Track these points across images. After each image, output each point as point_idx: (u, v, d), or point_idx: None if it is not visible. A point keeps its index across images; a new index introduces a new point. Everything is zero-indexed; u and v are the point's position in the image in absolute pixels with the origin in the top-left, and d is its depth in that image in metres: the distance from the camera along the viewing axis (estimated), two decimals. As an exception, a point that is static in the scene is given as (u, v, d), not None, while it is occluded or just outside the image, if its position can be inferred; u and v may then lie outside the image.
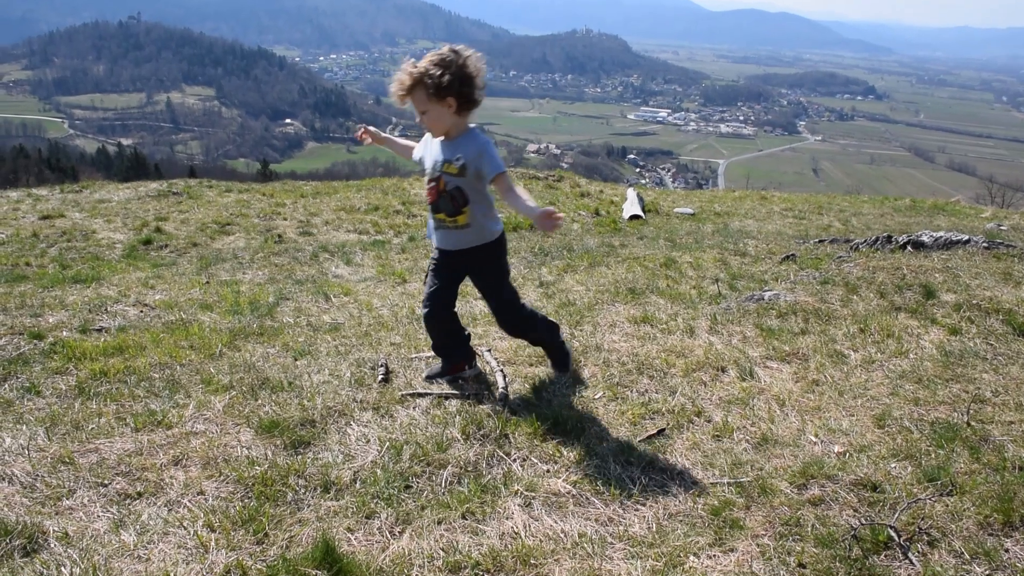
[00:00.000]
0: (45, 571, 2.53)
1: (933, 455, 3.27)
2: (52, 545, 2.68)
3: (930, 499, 2.91)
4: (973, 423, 3.53)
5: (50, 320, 5.39)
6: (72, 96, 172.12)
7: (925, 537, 2.70)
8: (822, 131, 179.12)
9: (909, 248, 7.14)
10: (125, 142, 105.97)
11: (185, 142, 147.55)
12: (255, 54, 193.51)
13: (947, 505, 2.87)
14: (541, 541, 2.77)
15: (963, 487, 2.97)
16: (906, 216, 12.98)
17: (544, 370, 4.33)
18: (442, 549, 2.69)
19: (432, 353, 4.45)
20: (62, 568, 2.52)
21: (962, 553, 2.61)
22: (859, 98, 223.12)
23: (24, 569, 2.54)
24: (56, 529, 2.77)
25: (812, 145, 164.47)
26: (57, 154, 59.38)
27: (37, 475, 3.14)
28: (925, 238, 7.28)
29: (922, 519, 2.78)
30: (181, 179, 17.05)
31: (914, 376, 4.16)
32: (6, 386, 4.16)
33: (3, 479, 3.12)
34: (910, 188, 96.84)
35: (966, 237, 7.22)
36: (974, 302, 5.25)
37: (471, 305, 5.83)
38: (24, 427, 3.56)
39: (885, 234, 7.68)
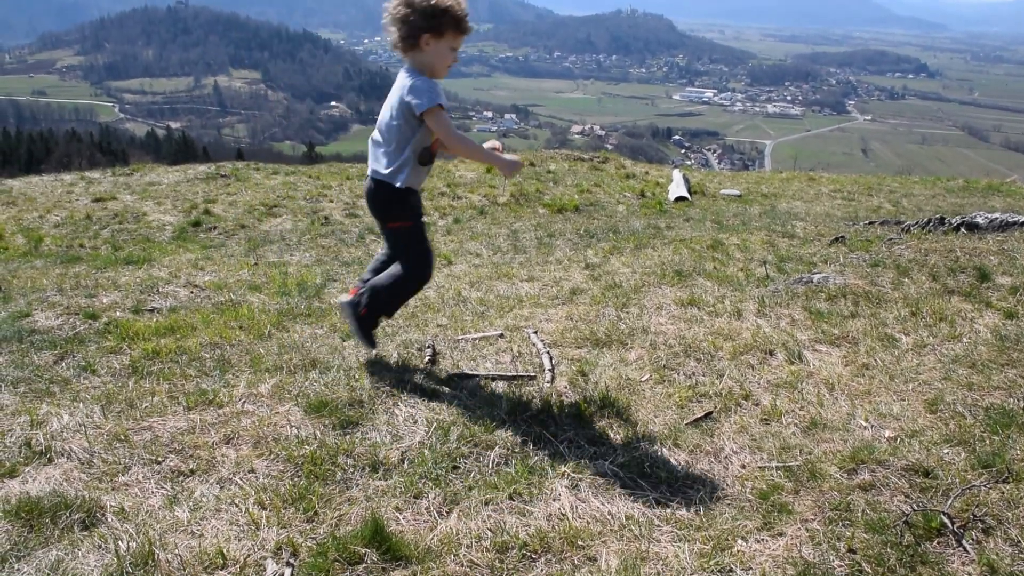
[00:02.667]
0: (103, 544, 2.59)
1: (988, 441, 3.20)
2: (109, 519, 2.75)
3: (985, 486, 2.85)
4: (1030, 409, 3.44)
5: (104, 300, 5.50)
6: (122, 81, 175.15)
7: (980, 524, 2.65)
8: (872, 110, 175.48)
9: (963, 230, 6.98)
10: (174, 125, 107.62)
11: (232, 125, 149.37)
12: (300, 37, 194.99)
13: (1003, 492, 2.81)
14: (588, 523, 2.77)
15: (1020, 474, 2.91)
16: (959, 197, 12.69)
17: (590, 352, 4.32)
18: (490, 529, 2.70)
19: (478, 335, 4.48)
20: (119, 542, 2.58)
21: (1019, 541, 2.55)
22: (911, 76, 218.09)
23: (83, 542, 2.61)
24: (113, 504, 2.84)
25: (861, 125, 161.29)
26: (108, 138, 60.48)
27: (94, 451, 3.21)
28: (980, 219, 7.11)
29: (977, 506, 2.73)
30: (229, 162, 17.25)
31: (968, 360, 4.08)
32: (63, 364, 4.26)
33: (62, 455, 3.20)
34: (963, 168, 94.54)
35: (1023, 219, 7.04)
36: (1031, 285, 5.11)
37: (517, 287, 5.83)
38: (81, 405, 3.64)
39: (938, 215, 7.52)
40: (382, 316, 4.07)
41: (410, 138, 3.57)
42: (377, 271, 4.01)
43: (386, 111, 3.64)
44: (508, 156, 3.60)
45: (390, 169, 3.62)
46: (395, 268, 3.88)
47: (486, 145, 3.81)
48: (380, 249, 4.18)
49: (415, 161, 3.63)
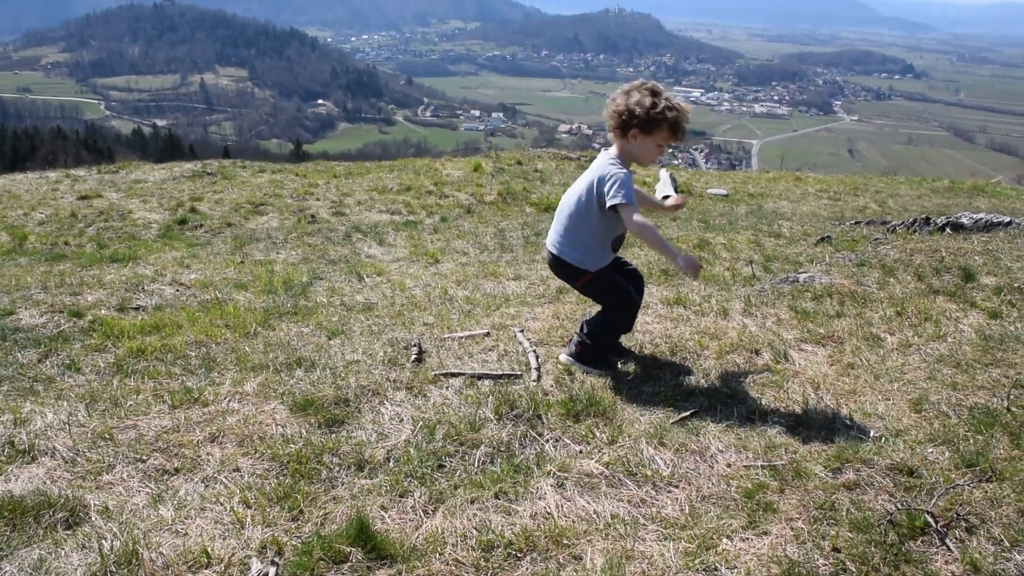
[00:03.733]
0: (87, 543, 2.58)
1: (971, 441, 3.22)
2: (93, 518, 2.73)
3: (968, 485, 2.87)
4: (1013, 409, 3.47)
5: (89, 298, 5.47)
6: (108, 78, 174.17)
7: (963, 523, 2.66)
8: (858, 111, 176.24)
9: (948, 230, 7.02)
10: (160, 123, 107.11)
11: (219, 123, 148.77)
12: (287, 35, 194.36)
13: (986, 491, 2.82)
14: (574, 522, 2.77)
15: (1003, 473, 2.93)
16: (945, 198, 12.77)
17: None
18: (475, 528, 2.70)
19: (464, 334, 4.48)
20: (103, 541, 2.57)
21: (1002, 540, 2.57)
22: (897, 77, 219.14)
23: (67, 541, 2.59)
24: (97, 503, 2.82)
25: (848, 125, 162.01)
26: (94, 135, 60.12)
27: (78, 450, 3.20)
28: (965, 220, 7.15)
29: (960, 505, 2.74)
30: (215, 160, 17.19)
31: (952, 360, 4.10)
32: (47, 363, 4.23)
33: (46, 453, 3.18)
34: (949, 169, 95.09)
35: (1007, 219, 7.09)
36: (1015, 285, 5.15)
37: (504, 286, 5.83)
38: (65, 403, 3.62)
39: (923, 216, 7.56)
40: (610, 345, 4.20)
41: (595, 223, 3.75)
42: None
43: (580, 185, 3.77)
44: (686, 257, 3.52)
45: (572, 252, 3.84)
46: (596, 317, 4.08)
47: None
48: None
49: (601, 246, 3.85)
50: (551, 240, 3.92)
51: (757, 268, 6.10)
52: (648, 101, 3.53)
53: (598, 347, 4.07)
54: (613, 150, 3.71)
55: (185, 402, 3.66)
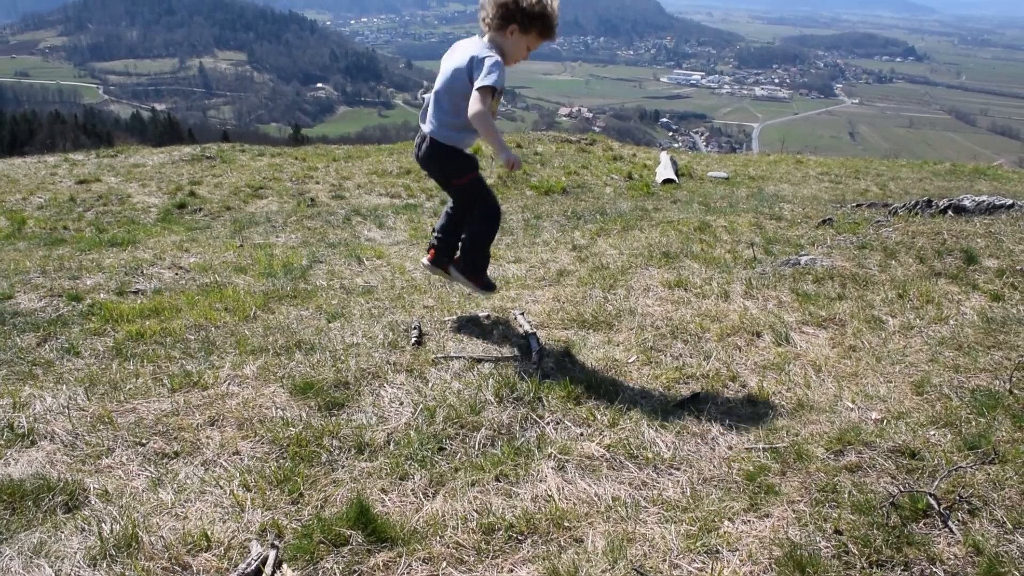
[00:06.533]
0: (86, 527, 2.57)
1: (974, 423, 3.21)
2: (93, 502, 2.73)
3: (971, 467, 2.86)
4: (1016, 391, 3.45)
5: (88, 282, 5.45)
6: (106, 62, 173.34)
7: (966, 506, 2.65)
8: (859, 94, 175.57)
9: (950, 213, 6.99)
10: (159, 107, 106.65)
11: (218, 107, 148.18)
12: (286, 18, 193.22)
13: (989, 474, 2.82)
14: (575, 504, 2.76)
15: (1005, 456, 2.92)
16: (946, 181, 12.71)
17: (577, 333, 4.31)
18: (475, 511, 2.69)
19: (465, 316, 4.47)
20: (103, 524, 2.56)
21: (1004, 522, 2.56)
22: (898, 60, 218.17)
23: (66, 524, 2.59)
24: (96, 486, 2.82)
25: (849, 108, 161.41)
26: (92, 119, 59.91)
27: (77, 434, 3.19)
28: (967, 202, 7.12)
29: (962, 487, 2.73)
30: (214, 143, 17.12)
31: (954, 343, 4.09)
32: (46, 347, 4.22)
33: (45, 437, 3.17)
34: (950, 152, 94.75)
35: (1010, 201, 7.06)
36: (1017, 267, 5.13)
37: (504, 269, 5.81)
38: (64, 387, 3.61)
39: (925, 198, 7.53)
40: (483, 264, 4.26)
41: (465, 101, 3.66)
42: (447, 228, 4.27)
43: (451, 72, 3.74)
44: (511, 155, 3.67)
45: (452, 131, 3.82)
46: (470, 225, 4.13)
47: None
48: (446, 206, 4.34)
49: (470, 128, 3.79)
50: (429, 125, 3.89)
51: (758, 250, 6.08)
52: None
53: (482, 256, 4.19)
54: (485, 39, 3.75)
55: (184, 385, 3.65)
